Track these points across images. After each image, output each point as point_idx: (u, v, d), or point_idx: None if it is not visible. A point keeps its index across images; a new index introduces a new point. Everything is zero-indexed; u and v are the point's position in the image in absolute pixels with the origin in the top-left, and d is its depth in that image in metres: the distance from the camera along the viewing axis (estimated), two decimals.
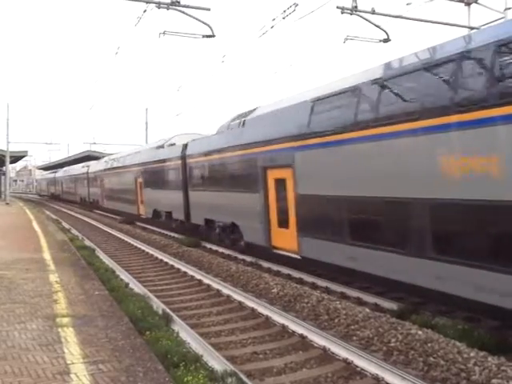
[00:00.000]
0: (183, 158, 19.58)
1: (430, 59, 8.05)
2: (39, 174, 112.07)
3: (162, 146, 23.73)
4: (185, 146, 19.73)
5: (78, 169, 49.10)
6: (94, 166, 40.41)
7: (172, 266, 14.07)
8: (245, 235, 14.55)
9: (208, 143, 17.49)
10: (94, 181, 39.67)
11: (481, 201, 6.78)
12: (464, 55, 7.31)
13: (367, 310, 8.37)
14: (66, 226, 25.91)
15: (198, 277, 12.15)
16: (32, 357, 5.68)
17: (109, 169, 34.10)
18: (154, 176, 23.84)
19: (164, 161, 22.17)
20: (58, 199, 60.34)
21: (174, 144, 22.24)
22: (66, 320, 7.20)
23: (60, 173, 61.19)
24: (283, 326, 8.01)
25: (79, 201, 46.96)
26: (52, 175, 68.31)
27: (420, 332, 7.00)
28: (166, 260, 14.93)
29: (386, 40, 16.01)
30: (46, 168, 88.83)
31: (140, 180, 26.12)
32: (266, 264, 13.59)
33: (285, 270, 12.64)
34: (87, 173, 42.44)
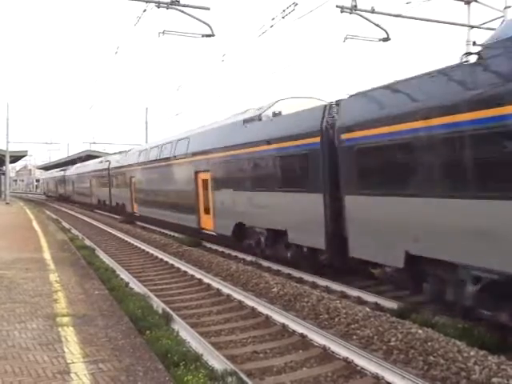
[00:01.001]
0: (325, 132, 10.58)
1: None
2: (40, 173, 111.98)
3: (256, 119, 14.24)
4: (329, 110, 10.79)
5: (94, 165, 40.10)
6: (119, 160, 31.25)
7: (172, 265, 14.08)
8: None
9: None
10: (118, 179, 30.87)
11: None
12: None
13: (367, 309, 8.38)
14: (66, 225, 25.90)
15: (198, 276, 12.16)
16: (32, 356, 5.69)
17: (145, 162, 24.71)
18: (238, 169, 14.63)
19: (265, 142, 12.81)
20: (68, 201, 51.16)
21: (279, 113, 13.42)
22: (66, 319, 7.21)
23: (71, 170, 51.59)
24: (283, 325, 8.01)
25: (96, 204, 37.97)
26: (61, 173, 58.05)
27: (420, 331, 7.00)
28: (166, 259, 14.93)
29: (386, 39, 16.03)
30: (45, 168, 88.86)
31: (205, 176, 16.97)
32: (265, 263, 13.59)
33: (285, 270, 12.63)
34: (108, 169, 33.35)
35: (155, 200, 23.14)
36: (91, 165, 41.31)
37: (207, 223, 17.06)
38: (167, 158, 21.20)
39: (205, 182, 17.17)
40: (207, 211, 16.97)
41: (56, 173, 64.03)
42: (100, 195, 36.56)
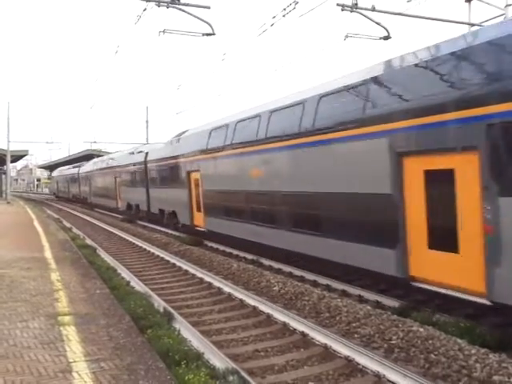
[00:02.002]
0: None
1: None
2: (41, 172, 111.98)
3: None
4: None
5: (121, 158, 31.38)
6: (164, 150, 22.38)
7: (173, 264, 14.09)
8: None
9: None
10: (163, 175, 22.32)
11: None
12: None
13: (368, 307, 8.38)
14: (68, 224, 25.92)
15: (199, 275, 12.16)
16: (34, 355, 5.69)
17: (225, 147, 15.40)
18: None
19: None
20: (85, 204, 42.44)
21: None
22: (67, 318, 7.21)
23: (87, 166, 43.34)
24: (284, 324, 8.02)
25: (125, 209, 29.57)
26: (74, 170, 49.44)
27: (421, 329, 7.01)
28: (167, 258, 14.94)
29: (387, 37, 16.04)
30: (47, 167, 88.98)
31: (456, 162, 7.48)
32: (267, 262, 13.60)
33: (286, 268, 12.64)
34: (145, 163, 25.10)
35: (255, 210, 13.72)
36: (117, 159, 32.53)
37: (450, 275, 7.71)
38: (290, 136, 11.81)
39: (445, 177, 7.71)
40: (449, 245, 7.67)
41: (68, 170, 54.99)
42: (131, 198, 27.99)
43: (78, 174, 46.52)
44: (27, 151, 55.02)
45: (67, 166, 58.19)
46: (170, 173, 21.16)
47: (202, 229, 17.69)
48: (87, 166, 43.29)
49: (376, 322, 7.57)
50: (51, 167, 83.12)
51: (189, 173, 18.61)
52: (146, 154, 25.39)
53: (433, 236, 8.03)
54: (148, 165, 24.76)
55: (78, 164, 50.83)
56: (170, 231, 21.76)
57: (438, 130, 7.74)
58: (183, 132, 20.99)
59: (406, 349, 6.68)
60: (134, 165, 27.29)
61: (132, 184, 27.92)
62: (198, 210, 17.95)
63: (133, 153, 29.02)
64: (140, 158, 26.28)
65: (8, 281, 9.87)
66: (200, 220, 17.85)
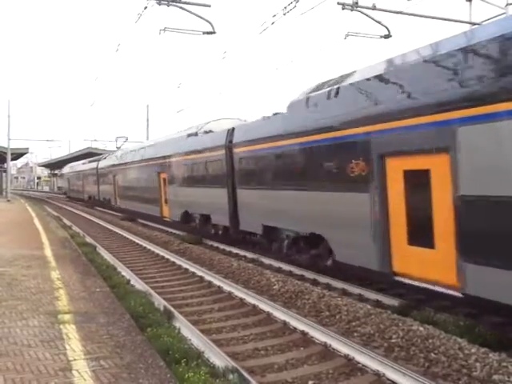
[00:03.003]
0: None
1: None
2: (41, 170, 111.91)
3: None
4: None
5: (171, 145, 21.19)
6: (285, 120, 12.03)
7: (173, 262, 14.09)
8: None
9: None
10: (283, 170, 11.99)
11: None
12: None
13: (368, 306, 8.38)
14: (67, 222, 25.91)
15: (200, 273, 12.16)
16: (34, 353, 5.69)
17: None
18: None
19: None
20: (108, 208, 34.02)
21: None
22: (67, 317, 7.22)
23: (110, 159, 33.95)
24: (284, 323, 8.02)
25: (178, 220, 19.95)
26: (92, 165, 39.45)
27: (421, 328, 7.00)
28: (167, 257, 14.93)
29: (387, 36, 16.04)
30: (47, 165, 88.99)
31: None
32: (267, 261, 13.60)
33: (286, 267, 12.64)
34: (226, 146, 15.40)
35: None
36: (162, 145, 22.66)
37: None
38: None
39: None
40: None
41: (83, 165, 44.28)
42: (193, 204, 18.65)
43: (97, 169, 36.41)
44: (27, 149, 55.05)
45: (82, 161, 47.69)
46: (307, 161, 11.16)
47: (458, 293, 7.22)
48: (110, 159, 33.92)
49: (376, 321, 7.57)
50: (51, 165, 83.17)
51: (383, 157, 8.53)
52: (231, 131, 15.57)
53: None
54: (235, 150, 15.02)
55: (96, 158, 40.79)
56: (170, 229, 21.68)
57: None
58: (338, 79, 10.53)
59: (406, 348, 6.68)
60: (200, 152, 17.61)
61: (193, 182, 18.43)
62: (416, 241, 7.95)
63: (195, 134, 18.98)
64: (215, 140, 16.57)
65: (8, 279, 9.87)
66: (434, 271, 7.62)
